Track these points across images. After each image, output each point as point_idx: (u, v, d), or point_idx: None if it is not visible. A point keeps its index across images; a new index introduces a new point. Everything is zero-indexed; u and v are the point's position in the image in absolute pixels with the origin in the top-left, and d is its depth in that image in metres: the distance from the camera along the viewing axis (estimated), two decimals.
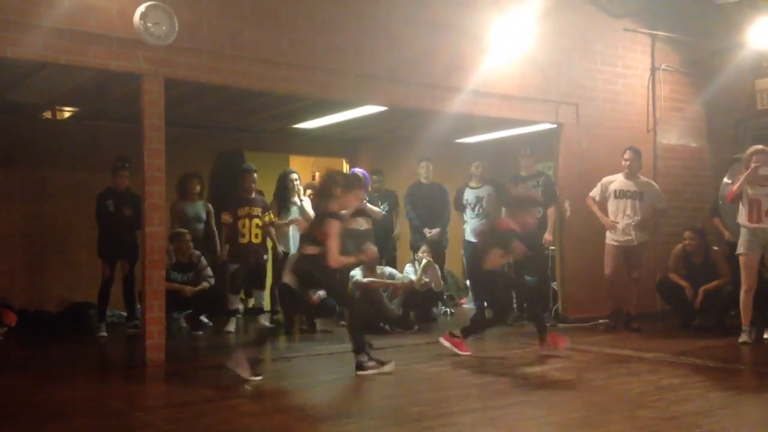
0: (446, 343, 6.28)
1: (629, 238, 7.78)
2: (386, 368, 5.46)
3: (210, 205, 8.63)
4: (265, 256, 8.23)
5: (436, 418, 4.21)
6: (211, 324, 8.22)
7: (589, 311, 8.33)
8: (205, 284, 7.84)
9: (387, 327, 7.68)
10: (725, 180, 7.76)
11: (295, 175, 8.60)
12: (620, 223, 7.77)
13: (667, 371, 5.60)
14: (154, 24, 5.84)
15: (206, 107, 8.28)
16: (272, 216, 8.22)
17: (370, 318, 7.32)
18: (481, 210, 8.52)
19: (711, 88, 9.42)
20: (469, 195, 8.64)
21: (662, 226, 8.87)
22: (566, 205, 8.42)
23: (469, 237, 8.57)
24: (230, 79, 6.52)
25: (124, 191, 7.80)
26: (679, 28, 9.31)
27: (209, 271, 7.93)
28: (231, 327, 7.90)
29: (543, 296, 8.13)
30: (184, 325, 8.06)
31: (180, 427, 4.21)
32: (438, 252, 8.60)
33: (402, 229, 9.23)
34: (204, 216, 8.47)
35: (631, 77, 9.05)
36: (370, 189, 8.45)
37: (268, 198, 8.59)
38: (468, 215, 8.62)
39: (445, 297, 9.40)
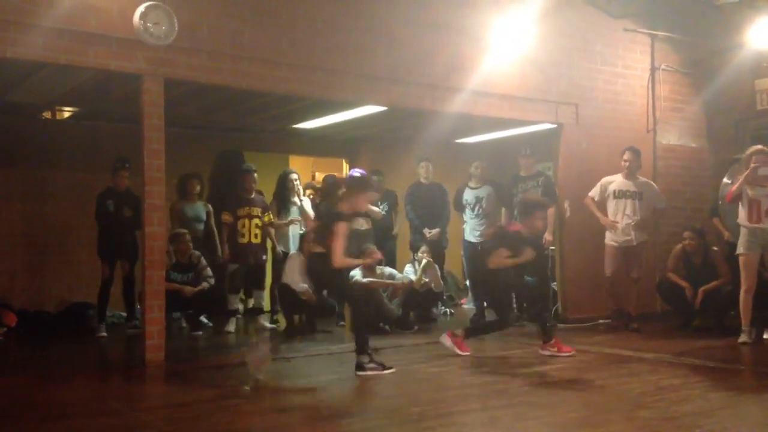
0: (447, 342, 6.27)
1: (629, 238, 7.78)
2: (386, 373, 5.47)
3: (210, 206, 8.61)
4: (264, 257, 8.23)
5: (436, 418, 4.21)
6: (210, 324, 8.22)
7: (589, 311, 8.33)
8: (204, 284, 7.83)
9: (387, 327, 7.68)
10: (725, 180, 7.75)
11: (294, 176, 8.60)
12: (620, 223, 7.79)
13: (667, 371, 5.60)
14: (154, 24, 5.84)
15: (206, 107, 8.27)
16: (272, 216, 8.23)
17: (370, 318, 7.31)
18: (480, 210, 8.53)
19: (711, 89, 9.41)
20: (468, 195, 8.64)
21: (662, 226, 8.87)
22: (566, 205, 8.42)
23: (469, 237, 8.58)
24: (230, 80, 6.51)
25: (124, 191, 7.80)
26: (679, 28, 9.30)
27: (209, 272, 7.93)
28: (231, 327, 7.91)
29: (543, 296, 8.11)
30: (185, 325, 8.07)
31: (180, 428, 4.21)
32: (438, 252, 8.59)
33: (401, 229, 9.23)
34: (204, 216, 8.45)
35: (630, 77, 9.05)
36: None
37: (268, 198, 8.59)
38: (467, 215, 8.62)
39: (444, 297, 9.39)
